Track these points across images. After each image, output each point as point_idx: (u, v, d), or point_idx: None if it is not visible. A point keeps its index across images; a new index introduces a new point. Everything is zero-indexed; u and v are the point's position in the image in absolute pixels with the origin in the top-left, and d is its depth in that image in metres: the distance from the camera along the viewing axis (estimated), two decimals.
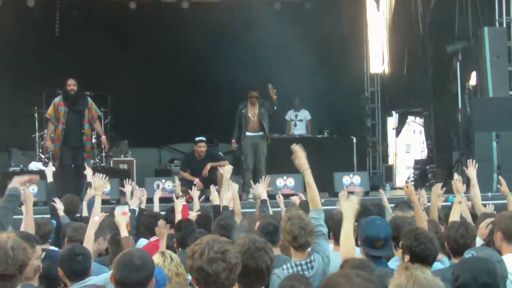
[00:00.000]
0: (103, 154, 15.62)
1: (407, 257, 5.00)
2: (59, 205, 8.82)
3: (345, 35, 18.75)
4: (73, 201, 9.29)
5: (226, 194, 8.39)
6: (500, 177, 9.14)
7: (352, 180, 13.50)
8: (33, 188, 11.56)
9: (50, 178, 9.47)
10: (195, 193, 9.27)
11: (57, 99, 13.05)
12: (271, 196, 9.08)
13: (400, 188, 12.37)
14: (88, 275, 5.28)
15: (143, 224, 8.11)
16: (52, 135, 13.17)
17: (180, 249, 6.49)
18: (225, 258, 3.68)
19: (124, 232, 6.39)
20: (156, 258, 4.98)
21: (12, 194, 6.08)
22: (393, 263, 5.47)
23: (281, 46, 16.63)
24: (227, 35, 17.54)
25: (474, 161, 8.34)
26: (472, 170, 8.16)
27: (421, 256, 4.92)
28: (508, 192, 8.21)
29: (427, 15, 16.80)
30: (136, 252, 4.30)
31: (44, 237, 7.15)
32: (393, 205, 8.88)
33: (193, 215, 7.83)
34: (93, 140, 14.18)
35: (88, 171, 9.47)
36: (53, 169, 9.72)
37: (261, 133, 14.11)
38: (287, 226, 5.35)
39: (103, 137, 13.99)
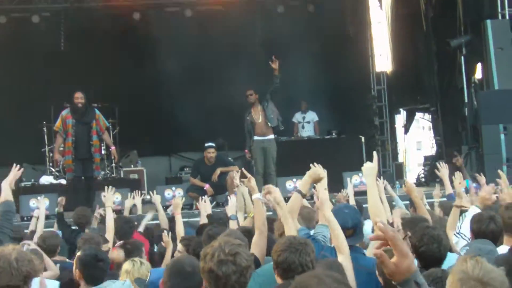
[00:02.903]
0: (113, 164, 15.70)
1: (413, 255, 4.96)
2: None
3: (349, 35, 18.76)
4: (84, 214, 9.36)
5: (232, 203, 8.32)
6: (499, 170, 9.13)
7: (361, 179, 13.45)
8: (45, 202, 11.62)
9: (60, 209, 9.63)
10: (202, 205, 9.21)
11: (65, 112, 13.12)
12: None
13: None
14: (103, 281, 5.35)
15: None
16: (61, 148, 13.24)
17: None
18: (236, 260, 3.67)
19: None
20: (126, 265, 5.10)
21: (6, 210, 6.10)
22: None
23: (286, 49, 16.66)
24: (231, 41, 17.60)
25: (445, 163, 8.33)
26: (444, 171, 8.15)
27: (423, 257, 4.83)
28: (507, 184, 8.20)
29: (429, 11, 16.82)
30: (186, 260, 4.39)
31: (52, 250, 7.24)
32: (407, 202, 8.92)
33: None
34: (103, 152, 14.26)
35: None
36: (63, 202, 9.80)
37: (269, 137, 14.12)
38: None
39: (113, 148, 14.04)
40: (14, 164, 6.65)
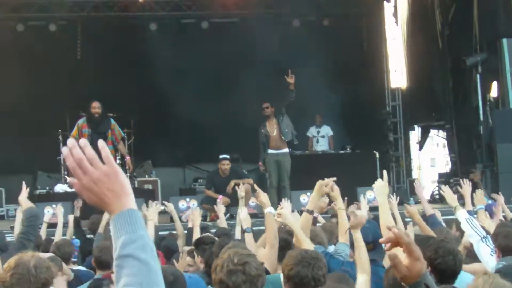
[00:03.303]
0: (128, 174, 15.71)
1: (429, 269, 4.97)
2: None
3: (365, 51, 18.79)
4: (98, 221, 9.40)
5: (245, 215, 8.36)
6: None
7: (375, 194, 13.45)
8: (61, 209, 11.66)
9: (77, 213, 9.69)
10: (220, 208, 9.26)
11: (81, 121, 13.16)
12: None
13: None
14: None
15: None
16: None
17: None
18: (245, 270, 3.69)
19: None
20: None
21: (30, 216, 6.17)
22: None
23: (301, 63, 16.68)
24: (246, 54, 17.64)
25: (468, 180, 8.35)
26: (466, 188, 8.18)
27: (438, 269, 4.77)
28: None
29: (445, 28, 16.82)
30: (168, 269, 4.42)
31: (66, 257, 7.28)
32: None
33: None
34: (117, 161, 14.28)
35: None
36: (80, 204, 9.88)
37: (283, 151, 14.12)
38: None
39: (127, 158, 14.06)
40: (23, 182, 7.03)
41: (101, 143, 2.06)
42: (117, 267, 2.01)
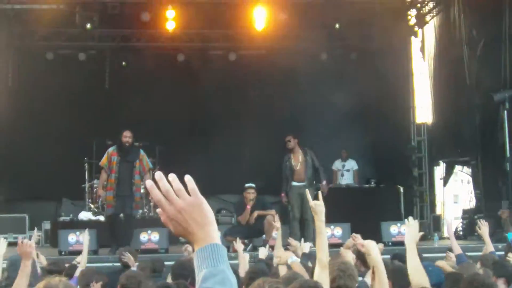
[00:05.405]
0: (151, 203, 15.77)
1: None
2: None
3: (391, 85, 18.75)
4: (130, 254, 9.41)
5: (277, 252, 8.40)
6: None
7: (399, 229, 13.38)
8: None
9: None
10: (239, 246, 9.22)
11: (111, 149, 13.24)
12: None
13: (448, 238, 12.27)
14: None
15: None
16: (105, 184, 13.34)
17: None
18: None
19: None
20: None
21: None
22: None
23: (328, 97, 16.73)
24: (274, 86, 17.70)
25: (483, 219, 8.33)
26: (484, 229, 8.17)
27: None
28: None
29: (473, 64, 16.74)
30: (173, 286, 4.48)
31: (89, 284, 7.29)
32: (443, 254, 8.90)
33: None
34: (142, 191, 14.33)
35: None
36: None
37: (307, 183, 14.09)
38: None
39: None
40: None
41: (187, 177, 2.16)
42: None
